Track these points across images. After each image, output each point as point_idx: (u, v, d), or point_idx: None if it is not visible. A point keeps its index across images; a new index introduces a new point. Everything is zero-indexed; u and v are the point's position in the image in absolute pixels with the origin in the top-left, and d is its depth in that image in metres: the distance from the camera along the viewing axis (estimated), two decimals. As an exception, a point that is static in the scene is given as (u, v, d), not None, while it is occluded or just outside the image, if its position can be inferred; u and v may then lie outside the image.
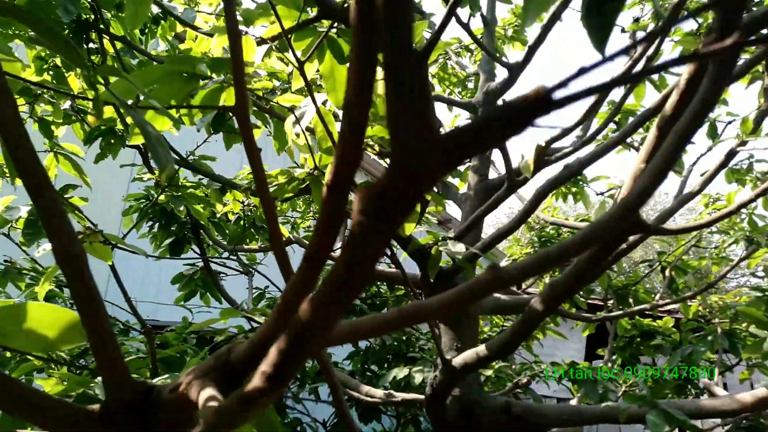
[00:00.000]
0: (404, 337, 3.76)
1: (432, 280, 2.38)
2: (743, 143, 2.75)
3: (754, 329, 3.71)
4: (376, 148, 1.55)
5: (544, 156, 2.02)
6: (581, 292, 4.13)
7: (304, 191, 1.89)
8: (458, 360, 1.99)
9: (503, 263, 4.10)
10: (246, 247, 2.89)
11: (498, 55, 2.64)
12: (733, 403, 2.04)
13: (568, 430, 2.97)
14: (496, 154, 3.19)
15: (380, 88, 1.79)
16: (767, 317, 2.04)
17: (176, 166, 2.46)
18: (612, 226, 0.83)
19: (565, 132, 2.36)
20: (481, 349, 1.94)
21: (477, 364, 1.93)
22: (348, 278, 0.39)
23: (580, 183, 4.12)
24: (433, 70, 4.15)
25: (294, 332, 0.52)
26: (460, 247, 2.11)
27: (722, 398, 2.11)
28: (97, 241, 1.52)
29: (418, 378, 3.02)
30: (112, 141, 2.78)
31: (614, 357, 4.10)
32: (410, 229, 1.66)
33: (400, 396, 2.43)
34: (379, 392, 2.87)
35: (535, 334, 4.29)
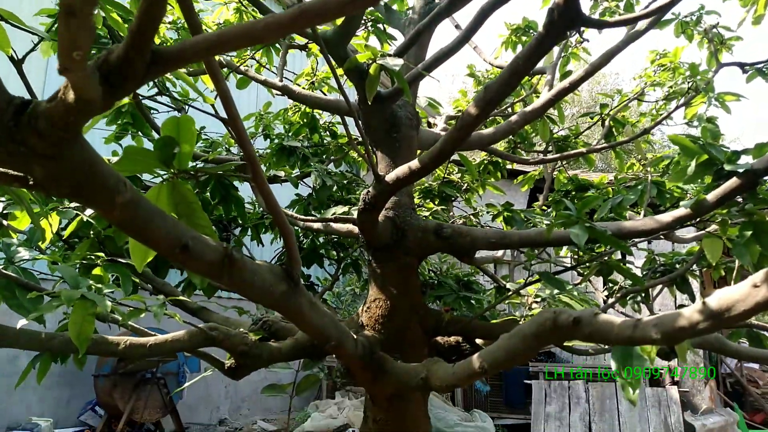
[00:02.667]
0: (345, 182, 3.75)
1: (369, 103, 2.31)
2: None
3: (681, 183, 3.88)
4: None
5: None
6: (522, 145, 4.16)
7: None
8: (391, 175, 1.97)
9: (445, 113, 4.04)
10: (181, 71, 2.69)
11: None
12: (653, 223, 2.14)
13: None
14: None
15: None
16: (695, 143, 2.08)
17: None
18: None
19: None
20: (414, 162, 1.91)
21: (409, 177, 1.92)
22: None
23: (531, 32, 4.00)
24: None
25: None
26: (399, 62, 2.01)
27: (642, 219, 2.20)
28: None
29: (356, 215, 3.03)
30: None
31: (549, 210, 4.24)
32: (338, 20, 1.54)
33: (333, 217, 2.43)
34: (316, 224, 2.88)
35: (475, 188, 4.36)
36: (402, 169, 1.92)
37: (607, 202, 3.80)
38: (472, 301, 3.12)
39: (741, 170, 1.92)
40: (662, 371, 7.90)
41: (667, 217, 2.09)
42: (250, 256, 4.03)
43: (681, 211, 2.07)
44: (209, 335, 1.93)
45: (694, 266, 3.37)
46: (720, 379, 9.30)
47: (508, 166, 4.56)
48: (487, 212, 3.33)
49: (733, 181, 1.94)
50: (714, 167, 2.05)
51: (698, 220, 2.16)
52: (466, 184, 4.28)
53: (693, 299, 3.43)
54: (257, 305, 3.18)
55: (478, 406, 7.79)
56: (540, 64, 3.52)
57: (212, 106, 2.62)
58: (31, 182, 0.88)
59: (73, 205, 2.43)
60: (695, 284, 4.12)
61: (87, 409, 6.66)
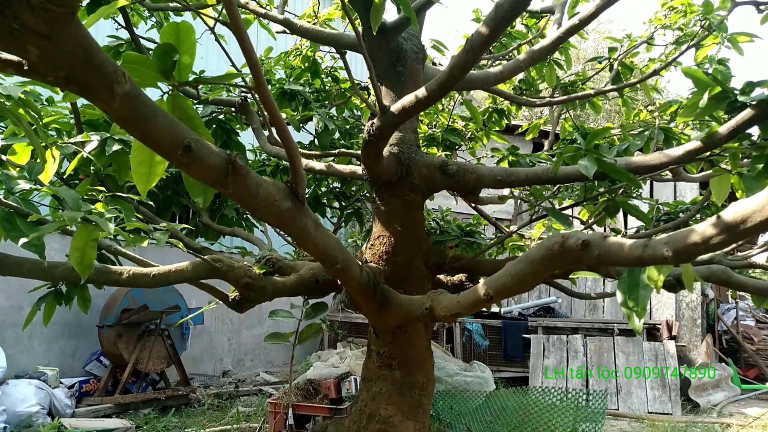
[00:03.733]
0: (347, 127, 3.69)
1: (374, 34, 2.24)
2: None
3: (689, 130, 3.82)
4: None
5: None
6: (528, 92, 4.09)
7: None
8: (396, 105, 1.92)
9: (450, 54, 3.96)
10: (172, 4, 2.61)
11: None
12: (662, 157, 2.10)
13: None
14: None
15: None
16: (708, 75, 2.02)
17: None
18: None
19: None
20: (420, 90, 1.86)
21: (416, 107, 1.87)
22: None
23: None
24: None
25: None
26: (405, -14, 1.93)
27: (652, 154, 2.16)
28: None
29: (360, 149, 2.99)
30: None
31: (554, 158, 4.19)
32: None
33: (337, 152, 2.39)
34: (320, 165, 2.84)
35: (479, 136, 4.31)
36: (408, 98, 1.87)
37: (613, 148, 3.76)
38: (475, 246, 3.11)
39: (755, 101, 1.88)
40: (659, 325, 7.99)
41: (677, 150, 2.05)
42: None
43: (692, 144, 2.03)
44: (213, 266, 1.92)
45: (697, 215, 3.34)
46: (716, 335, 9.42)
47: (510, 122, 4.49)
48: (492, 156, 3.28)
49: (746, 113, 1.90)
50: (727, 100, 1.99)
51: (708, 154, 2.13)
52: (470, 133, 4.23)
53: (696, 247, 3.41)
54: (260, 247, 3.17)
55: (477, 360, 7.91)
56: (549, 2, 3.43)
57: (215, 37, 2.56)
58: (26, 67, 0.84)
59: (72, 140, 2.39)
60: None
61: (92, 360, 6.76)
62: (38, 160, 2.19)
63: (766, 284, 1.85)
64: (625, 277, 1.52)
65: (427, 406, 2.20)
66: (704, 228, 1.19)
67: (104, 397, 6.12)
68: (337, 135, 3.78)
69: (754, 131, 2.06)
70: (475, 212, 3.74)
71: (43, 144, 2.22)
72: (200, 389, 7.15)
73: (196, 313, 2.50)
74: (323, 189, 4.24)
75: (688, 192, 8.56)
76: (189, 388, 6.69)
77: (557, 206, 3.96)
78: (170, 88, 1.28)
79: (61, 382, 6.04)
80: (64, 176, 2.72)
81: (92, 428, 4.92)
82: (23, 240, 1.56)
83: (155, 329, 6.53)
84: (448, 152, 3.98)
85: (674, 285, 1.84)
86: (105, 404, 5.96)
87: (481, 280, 2.57)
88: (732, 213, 1.14)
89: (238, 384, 7.63)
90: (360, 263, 1.71)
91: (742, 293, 10.84)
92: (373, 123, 1.99)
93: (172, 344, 6.73)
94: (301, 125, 3.49)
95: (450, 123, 4.17)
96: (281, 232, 4.09)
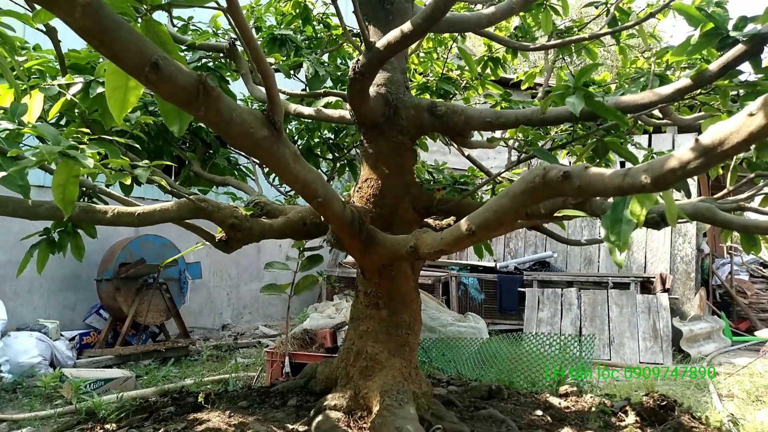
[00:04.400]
0: (339, 74, 3.64)
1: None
2: None
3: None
4: None
5: None
6: (523, 39, 4.00)
7: None
8: (382, 41, 1.89)
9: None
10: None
11: None
12: (652, 96, 2.07)
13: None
14: None
15: None
16: (700, 11, 1.97)
17: None
18: None
19: None
20: (406, 25, 1.82)
21: (402, 42, 1.84)
22: None
23: None
24: None
25: None
26: None
27: (641, 93, 2.14)
28: None
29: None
30: None
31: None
32: None
33: (323, 92, 2.36)
34: (308, 109, 2.81)
35: (474, 85, 4.25)
36: (393, 33, 1.83)
37: (608, 95, 3.70)
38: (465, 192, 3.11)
39: (746, 36, 1.84)
40: (653, 279, 8.06)
41: (667, 89, 2.02)
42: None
43: (682, 82, 2.00)
44: (198, 206, 1.91)
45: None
46: (710, 289, 9.52)
47: (502, 75, 4.41)
48: (485, 103, 3.25)
49: (737, 48, 1.86)
50: (719, 36, 1.95)
51: (699, 92, 2.10)
52: (465, 82, 4.17)
53: (688, 195, 3.42)
54: (249, 194, 3.17)
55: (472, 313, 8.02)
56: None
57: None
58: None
59: (56, 82, 2.35)
60: (691, 182, 4.10)
61: (92, 313, 6.85)
62: (22, 101, 2.17)
63: (751, 222, 1.85)
64: (608, 213, 1.52)
65: (414, 344, 2.24)
66: (682, 153, 1.18)
67: (105, 348, 6.23)
68: (329, 83, 3.72)
69: (746, 69, 2.03)
70: (470, 166, 3.72)
71: (24, 87, 2.19)
72: (200, 341, 7.28)
73: (181, 254, 2.52)
74: (316, 140, 4.21)
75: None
76: (188, 340, 6.80)
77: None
78: (144, 10, 1.25)
79: (61, 335, 6.14)
80: (48, 119, 2.70)
81: (93, 377, 5.02)
82: (1, 174, 1.54)
83: (153, 283, 6.59)
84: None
85: (658, 222, 1.84)
86: (106, 356, 6.07)
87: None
88: (710, 136, 1.13)
89: (237, 337, 7.76)
90: (343, 200, 1.71)
91: (737, 246, 10.89)
92: (359, 60, 1.96)
93: (171, 297, 6.82)
94: (291, 72, 3.44)
95: (444, 72, 4.11)
96: (274, 183, 4.09)
